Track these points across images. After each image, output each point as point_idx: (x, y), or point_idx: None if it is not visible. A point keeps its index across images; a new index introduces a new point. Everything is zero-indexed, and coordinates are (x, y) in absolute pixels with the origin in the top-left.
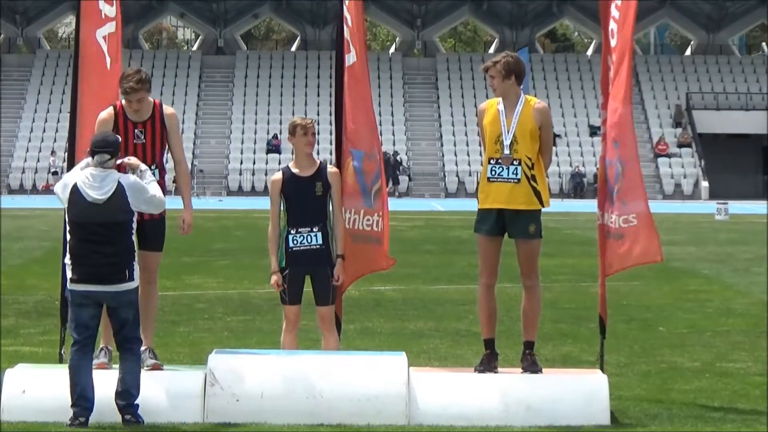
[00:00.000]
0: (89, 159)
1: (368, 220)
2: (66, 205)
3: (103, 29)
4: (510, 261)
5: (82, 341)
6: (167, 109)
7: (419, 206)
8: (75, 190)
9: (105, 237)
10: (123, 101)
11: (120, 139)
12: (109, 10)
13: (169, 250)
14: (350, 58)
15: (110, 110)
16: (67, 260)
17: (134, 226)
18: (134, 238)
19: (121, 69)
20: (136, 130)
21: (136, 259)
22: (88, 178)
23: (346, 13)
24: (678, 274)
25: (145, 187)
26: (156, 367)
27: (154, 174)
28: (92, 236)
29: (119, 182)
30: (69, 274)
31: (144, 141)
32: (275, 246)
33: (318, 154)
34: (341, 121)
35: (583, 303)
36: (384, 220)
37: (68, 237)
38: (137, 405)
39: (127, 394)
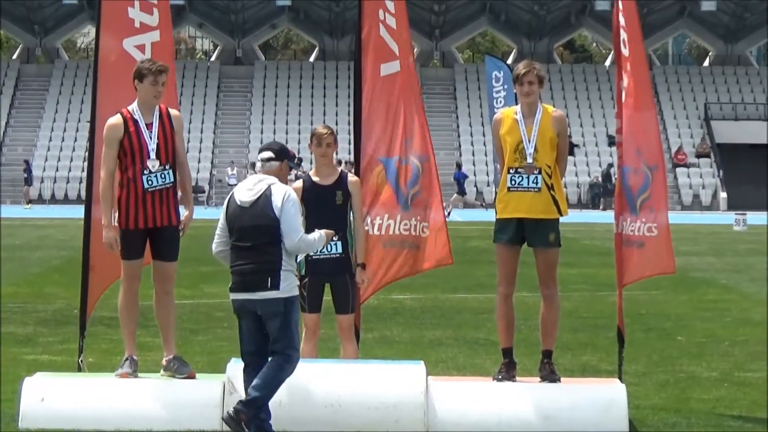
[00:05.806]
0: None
1: (405, 224)
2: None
3: (137, 38)
4: (528, 270)
5: (244, 357)
6: (173, 111)
7: None
8: (231, 196)
9: (250, 241)
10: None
11: (285, 146)
12: (149, 19)
13: (188, 260)
14: (392, 67)
15: (117, 116)
16: None
17: (284, 234)
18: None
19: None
20: (148, 132)
21: (288, 269)
22: (244, 183)
23: (388, 20)
24: (696, 283)
25: (298, 219)
26: (191, 376)
27: (168, 174)
28: (239, 241)
29: (269, 186)
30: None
31: (158, 142)
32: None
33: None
34: (359, 131)
35: (601, 312)
36: (425, 224)
37: None
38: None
39: (255, 400)
